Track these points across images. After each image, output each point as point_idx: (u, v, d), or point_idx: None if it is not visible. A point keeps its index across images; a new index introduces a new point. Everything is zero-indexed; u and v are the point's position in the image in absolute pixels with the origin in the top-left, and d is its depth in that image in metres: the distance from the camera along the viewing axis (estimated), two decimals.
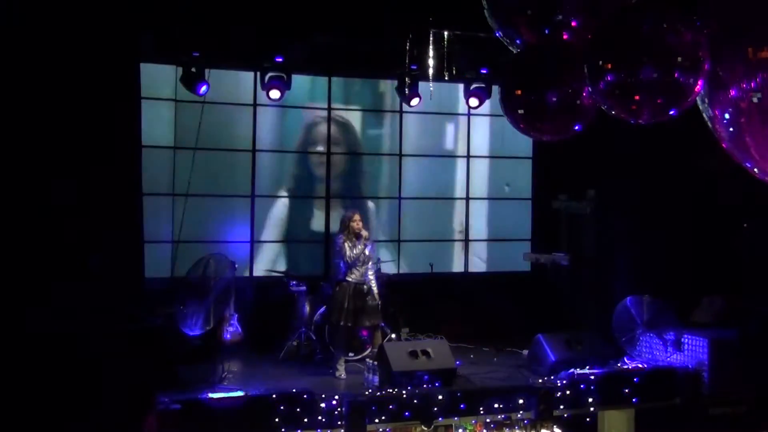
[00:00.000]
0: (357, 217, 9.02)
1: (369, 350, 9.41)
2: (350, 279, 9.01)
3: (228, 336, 9.22)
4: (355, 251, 8.90)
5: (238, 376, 8.85)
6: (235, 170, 11.11)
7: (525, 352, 9.79)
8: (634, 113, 5.19)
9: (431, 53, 10.00)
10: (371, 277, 9.15)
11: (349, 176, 11.80)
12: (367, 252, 8.98)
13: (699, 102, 5.14)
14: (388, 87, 11.85)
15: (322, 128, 11.53)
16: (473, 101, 11.48)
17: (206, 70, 10.04)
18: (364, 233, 8.95)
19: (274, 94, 10.53)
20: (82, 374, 6.39)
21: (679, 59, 4.87)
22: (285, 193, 11.51)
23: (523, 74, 6.02)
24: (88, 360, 6.42)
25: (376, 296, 9.14)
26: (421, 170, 12.12)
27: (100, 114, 8.00)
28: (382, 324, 9.43)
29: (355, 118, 11.92)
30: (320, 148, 11.52)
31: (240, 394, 8.00)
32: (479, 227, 12.41)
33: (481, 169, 12.41)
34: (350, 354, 9.38)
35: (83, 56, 7.84)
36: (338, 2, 9.69)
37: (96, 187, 7.98)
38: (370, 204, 11.83)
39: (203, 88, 10.01)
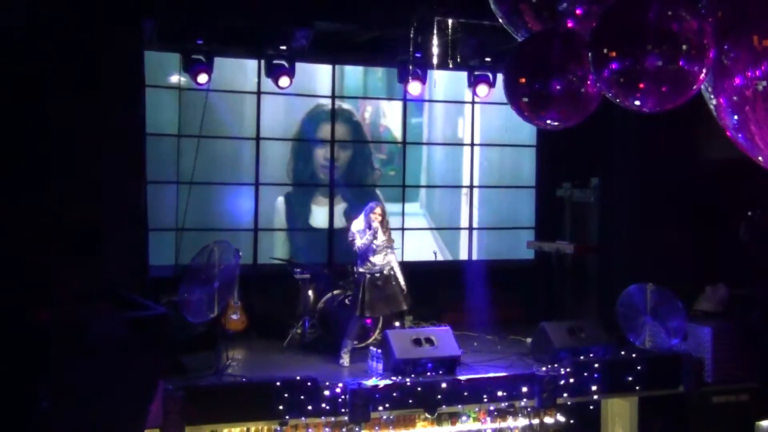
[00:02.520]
0: (378, 210, 8.94)
1: (373, 338, 9.43)
2: (363, 270, 8.97)
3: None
4: (364, 241, 8.87)
5: (242, 364, 8.89)
6: (238, 159, 11.11)
7: (528, 340, 9.80)
8: (638, 101, 5.17)
9: (435, 41, 9.98)
10: (393, 263, 9.09)
11: (353, 166, 11.82)
12: (378, 241, 8.91)
13: (703, 90, 5.13)
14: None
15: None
16: (481, 90, 11.43)
17: (213, 58, 10.03)
18: (375, 225, 8.90)
19: (284, 81, 10.50)
20: (86, 362, 6.40)
21: (684, 47, 4.85)
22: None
23: (527, 62, 6.00)
24: (92, 348, 6.43)
25: (401, 283, 9.05)
26: (445, 158, 12.26)
27: (103, 101, 8.01)
28: (406, 307, 9.29)
29: (395, 108, 11.95)
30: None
31: (244, 381, 8.03)
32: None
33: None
34: (354, 342, 9.39)
35: (87, 44, 7.84)
36: None
37: (100, 175, 7.99)
38: None
39: (201, 78, 9.96)
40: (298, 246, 11.48)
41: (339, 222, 11.54)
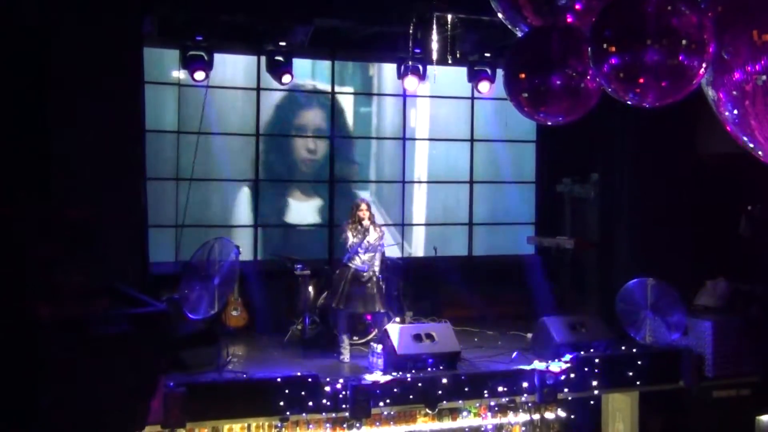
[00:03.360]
0: (364, 206, 9.01)
1: (373, 334, 9.43)
2: (351, 264, 9.01)
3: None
4: (356, 240, 8.90)
5: (242, 360, 8.89)
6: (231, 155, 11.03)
7: (529, 335, 9.80)
8: (638, 96, 5.18)
9: (434, 37, 9.96)
10: (376, 268, 9.15)
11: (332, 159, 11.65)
12: (371, 240, 8.93)
13: (703, 85, 5.13)
14: (374, 69, 11.83)
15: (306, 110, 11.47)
16: (483, 86, 11.40)
17: (213, 55, 10.02)
18: (366, 223, 8.93)
19: (287, 78, 10.50)
20: (87, 359, 6.40)
21: (684, 42, 4.86)
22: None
23: (526, 58, 6.00)
24: (93, 344, 6.44)
25: (376, 286, 9.11)
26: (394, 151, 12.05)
27: (103, 98, 8.01)
28: (382, 311, 9.36)
29: (346, 97, 11.82)
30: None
31: (245, 377, 8.04)
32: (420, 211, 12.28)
33: (421, 151, 12.20)
34: (354, 338, 9.40)
35: (87, 41, 7.84)
36: None
37: (100, 171, 7.99)
38: None
39: (198, 75, 9.93)
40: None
41: (312, 218, 11.49)
